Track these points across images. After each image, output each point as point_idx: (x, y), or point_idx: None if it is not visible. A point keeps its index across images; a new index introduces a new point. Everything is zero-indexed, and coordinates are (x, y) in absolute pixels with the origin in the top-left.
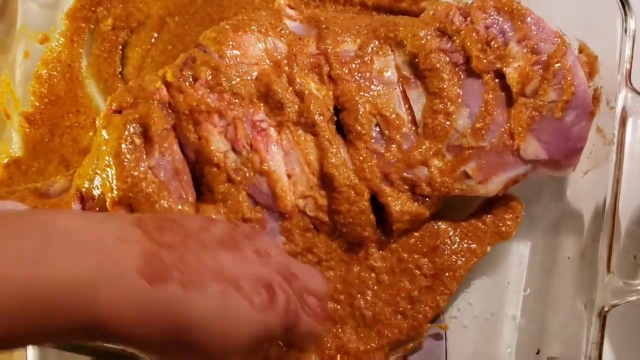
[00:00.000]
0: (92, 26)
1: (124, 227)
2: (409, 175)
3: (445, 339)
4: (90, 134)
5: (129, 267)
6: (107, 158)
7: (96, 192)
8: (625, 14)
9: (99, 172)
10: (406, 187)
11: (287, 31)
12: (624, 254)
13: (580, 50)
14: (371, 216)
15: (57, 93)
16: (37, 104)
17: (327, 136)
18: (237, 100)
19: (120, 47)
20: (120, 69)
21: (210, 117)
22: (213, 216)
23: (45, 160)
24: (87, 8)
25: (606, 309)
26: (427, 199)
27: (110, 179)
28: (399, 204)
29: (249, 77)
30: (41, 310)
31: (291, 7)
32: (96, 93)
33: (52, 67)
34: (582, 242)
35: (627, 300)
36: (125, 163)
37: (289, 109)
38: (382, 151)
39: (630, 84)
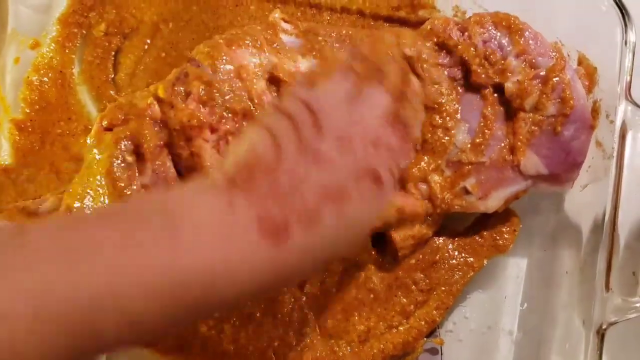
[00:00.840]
0: (85, 32)
1: (228, 200)
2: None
3: (441, 354)
4: (82, 141)
5: (253, 241)
6: (98, 177)
7: (87, 212)
8: (626, 25)
9: (90, 191)
10: None
11: (283, 46)
12: (623, 270)
13: (580, 62)
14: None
15: (48, 100)
16: (28, 110)
17: None
18: (230, 115)
19: (113, 53)
20: (112, 76)
21: (202, 131)
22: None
23: (35, 168)
24: (80, 13)
25: (604, 326)
26: (428, 217)
27: (101, 199)
28: (402, 231)
29: (243, 93)
30: (182, 297)
31: (286, 21)
32: (88, 100)
33: (43, 73)
34: (581, 256)
35: (626, 318)
36: (117, 182)
37: None
38: None
39: (630, 96)
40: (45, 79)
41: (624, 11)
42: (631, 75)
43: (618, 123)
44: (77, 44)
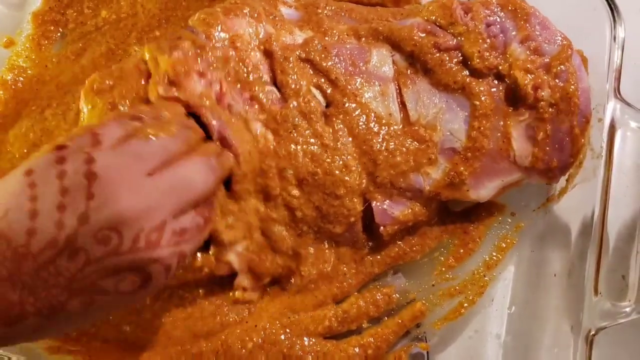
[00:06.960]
0: (61, 29)
1: None
2: (402, 179)
3: (427, 359)
4: None
5: None
6: None
7: None
8: (615, 21)
9: None
10: (397, 190)
11: (281, 18)
12: (612, 273)
13: None
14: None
15: (23, 100)
16: (1, 110)
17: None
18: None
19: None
20: None
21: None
22: None
23: (10, 167)
24: (56, 10)
25: (593, 332)
26: (418, 203)
27: None
28: (396, 209)
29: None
30: None
31: None
32: None
33: (18, 72)
34: (569, 259)
35: (615, 323)
36: None
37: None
38: (372, 153)
39: (619, 94)
40: (21, 78)
41: (613, 6)
42: (620, 73)
43: (607, 122)
44: (54, 43)
